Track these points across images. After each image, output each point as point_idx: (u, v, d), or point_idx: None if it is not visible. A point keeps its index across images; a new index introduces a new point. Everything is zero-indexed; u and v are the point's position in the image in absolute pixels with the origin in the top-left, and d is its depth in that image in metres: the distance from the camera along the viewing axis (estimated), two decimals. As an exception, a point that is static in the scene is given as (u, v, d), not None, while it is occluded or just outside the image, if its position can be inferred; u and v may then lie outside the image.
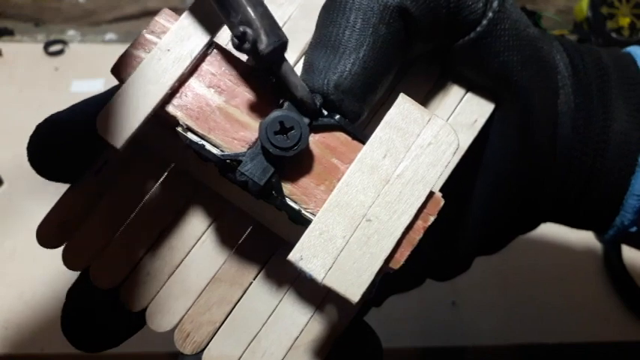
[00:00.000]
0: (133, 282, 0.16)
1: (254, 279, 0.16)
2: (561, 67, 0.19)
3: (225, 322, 0.16)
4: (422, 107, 0.14)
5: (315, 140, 0.14)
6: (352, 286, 0.13)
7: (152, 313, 0.16)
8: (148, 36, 0.14)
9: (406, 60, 0.16)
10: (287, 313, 0.16)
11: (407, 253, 0.13)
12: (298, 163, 0.14)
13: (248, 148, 0.14)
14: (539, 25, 0.53)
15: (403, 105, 0.14)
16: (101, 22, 0.59)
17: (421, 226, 0.13)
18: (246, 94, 0.14)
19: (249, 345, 0.16)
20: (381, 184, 0.13)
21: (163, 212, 0.16)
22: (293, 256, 0.13)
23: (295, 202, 0.14)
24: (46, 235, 0.16)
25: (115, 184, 0.16)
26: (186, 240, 0.16)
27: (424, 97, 0.17)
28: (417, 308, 0.38)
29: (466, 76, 0.17)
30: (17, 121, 0.48)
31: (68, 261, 0.16)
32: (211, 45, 0.14)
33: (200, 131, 0.14)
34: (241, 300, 0.16)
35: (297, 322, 0.16)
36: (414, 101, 0.14)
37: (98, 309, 0.16)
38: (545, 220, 0.21)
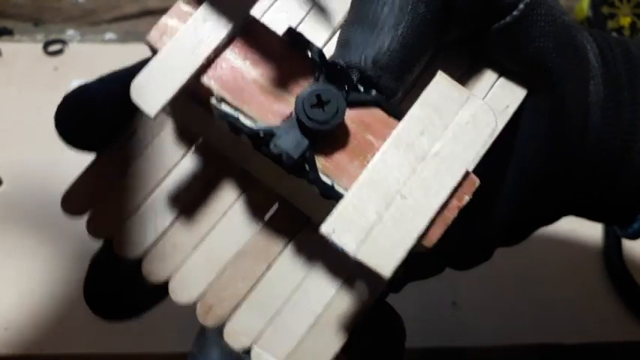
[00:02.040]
0: (157, 253, 0.16)
1: (279, 254, 0.16)
2: (591, 58, 0.19)
3: (249, 296, 0.16)
4: (460, 86, 0.14)
5: (350, 116, 0.14)
6: (384, 261, 0.12)
7: (175, 285, 0.16)
8: (184, 6, 0.14)
9: (441, 43, 0.16)
10: (311, 289, 0.16)
11: (440, 232, 0.13)
12: (332, 138, 0.14)
13: (282, 122, 0.13)
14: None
15: (441, 82, 0.14)
16: (101, 22, 0.59)
17: (455, 205, 0.13)
18: (282, 68, 0.14)
19: (271, 319, 0.16)
20: (416, 162, 0.13)
21: (190, 185, 0.17)
22: (325, 228, 0.13)
23: (328, 177, 0.14)
24: (71, 203, 0.17)
25: (143, 155, 0.17)
26: (212, 213, 0.17)
27: (456, 80, 0.17)
28: (417, 308, 0.38)
29: (499, 61, 0.17)
30: (16, 120, 0.48)
31: (92, 229, 0.16)
32: (248, 18, 0.14)
33: (234, 103, 0.14)
34: (266, 275, 0.16)
35: (321, 300, 0.16)
36: (452, 79, 0.14)
37: (120, 278, 0.16)
38: (568, 213, 0.21)
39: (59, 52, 0.55)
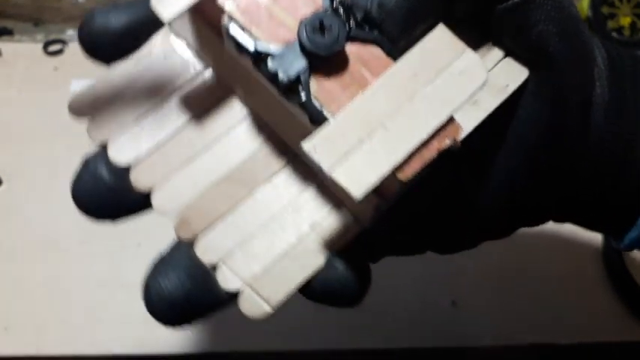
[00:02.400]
0: (148, 163, 0.17)
1: (263, 183, 0.17)
2: (599, 61, 0.19)
3: (227, 218, 0.17)
4: (458, 39, 0.14)
5: (350, 50, 0.14)
6: (357, 183, 0.13)
7: (158, 195, 0.17)
8: None
9: (451, 19, 0.16)
10: (288, 221, 0.17)
11: (416, 168, 0.14)
12: (329, 67, 0.14)
13: (286, 45, 0.14)
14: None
15: (441, 33, 0.14)
16: (101, 22, 0.59)
17: (435, 146, 0.14)
18: (294, 0, 0.15)
19: (244, 242, 0.16)
20: (404, 99, 0.14)
21: (191, 107, 0.17)
22: (307, 145, 0.13)
23: (318, 102, 0.14)
24: (78, 104, 0.17)
25: (152, 72, 0.17)
26: (207, 137, 0.17)
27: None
28: (417, 308, 0.38)
29: (504, 43, 0.18)
30: (16, 120, 0.48)
31: (91, 132, 0.17)
32: None
33: (244, 24, 0.14)
34: (247, 200, 0.17)
35: (295, 231, 0.17)
36: (452, 32, 0.14)
37: (109, 180, 0.17)
38: (569, 214, 0.21)
39: (59, 52, 0.55)
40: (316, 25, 0.14)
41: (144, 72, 0.17)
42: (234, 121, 0.18)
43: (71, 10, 0.59)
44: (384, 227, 0.17)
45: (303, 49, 0.14)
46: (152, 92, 0.17)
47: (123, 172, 0.17)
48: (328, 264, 0.17)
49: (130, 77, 0.17)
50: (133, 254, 0.38)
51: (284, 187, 0.17)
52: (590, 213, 0.22)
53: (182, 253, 0.17)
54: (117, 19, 0.17)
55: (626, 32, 0.53)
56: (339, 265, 0.17)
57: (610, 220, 0.22)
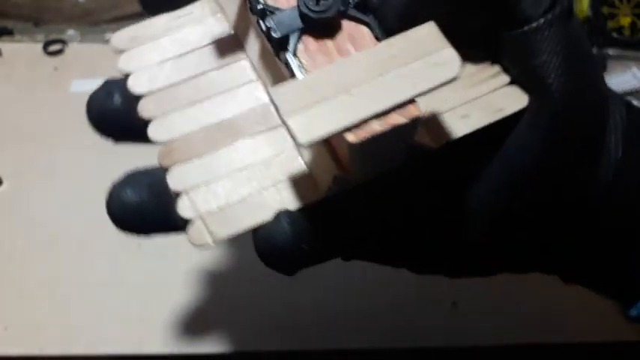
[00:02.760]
0: (156, 97, 0.19)
1: (246, 137, 0.19)
2: (616, 113, 0.19)
3: (203, 158, 0.18)
4: (444, 38, 0.15)
5: (343, 26, 0.16)
6: (305, 131, 0.14)
7: (155, 123, 0.19)
8: None
9: (461, 38, 0.17)
10: (255, 174, 0.18)
11: (366, 135, 0.14)
12: (319, 35, 0.16)
13: (289, 8, 0.16)
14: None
15: (430, 28, 0.15)
16: (101, 22, 0.59)
17: (390, 120, 0.14)
18: None
19: (209, 181, 0.18)
20: (375, 74, 0.15)
21: (208, 60, 0.20)
22: (274, 90, 0.15)
23: (299, 60, 0.16)
24: (119, 38, 0.20)
25: (187, 28, 0.20)
26: (213, 88, 0.19)
27: (469, 75, 0.18)
28: (417, 308, 0.38)
29: (504, 65, 0.18)
30: (16, 121, 0.48)
31: (120, 62, 0.20)
32: None
33: None
34: (227, 148, 0.19)
35: (258, 185, 0.18)
36: (439, 30, 0.15)
37: (119, 101, 0.19)
38: (564, 276, 0.21)
39: (59, 52, 0.55)
40: None
41: (179, 26, 0.20)
42: (240, 81, 0.20)
43: (71, 10, 0.59)
44: (342, 214, 0.18)
45: (300, 12, 0.15)
46: (181, 44, 0.20)
47: (133, 100, 0.19)
48: (277, 219, 0.17)
49: (166, 27, 0.20)
50: (133, 254, 0.38)
51: (264, 145, 0.19)
52: (595, 276, 0.21)
53: (154, 175, 0.18)
54: None
55: (626, 32, 0.53)
56: (286, 225, 0.17)
57: (618, 287, 0.21)
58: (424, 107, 0.17)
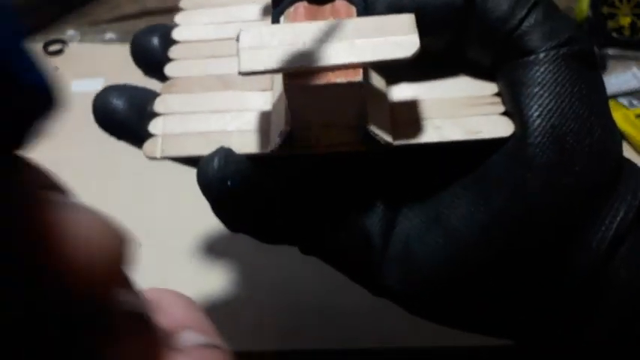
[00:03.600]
0: (189, 45, 0.22)
1: (236, 90, 0.20)
2: (631, 180, 0.16)
3: (192, 94, 0.20)
4: (416, 28, 0.16)
5: (335, 2, 0.17)
6: (249, 62, 0.16)
7: (174, 64, 0.21)
8: None
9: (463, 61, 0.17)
10: (225, 117, 0.20)
11: (302, 83, 0.15)
12: (310, 5, 0.18)
13: None
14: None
15: (407, 18, 0.16)
16: (100, 22, 0.59)
17: (329, 77, 0.15)
18: None
19: (185, 113, 0.20)
20: (336, 38, 0.16)
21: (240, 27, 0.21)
22: (246, 29, 0.16)
23: (284, 17, 0.18)
24: (190, 0, 0.23)
25: (245, 3, 0.23)
26: (232, 49, 0.20)
27: (469, 97, 0.18)
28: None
29: (505, 100, 0.18)
30: (17, 120, 0.48)
31: (178, 18, 0.23)
32: None
33: None
34: (216, 92, 0.21)
35: (221, 125, 0.20)
36: (414, 21, 0.16)
37: (159, 42, 0.22)
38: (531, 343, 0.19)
39: (59, 52, 0.55)
40: None
41: (238, 2, 0.23)
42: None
43: (71, 10, 0.59)
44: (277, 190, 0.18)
45: None
46: (230, 16, 0.22)
47: (170, 43, 0.22)
48: (214, 154, 0.18)
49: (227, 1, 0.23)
50: (133, 254, 0.38)
51: (248, 100, 0.20)
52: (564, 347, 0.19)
53: (137, 91, 0.21)
54: None
55: (626, 32, 0.53)
56: (217, 160, 0.18)
57: None
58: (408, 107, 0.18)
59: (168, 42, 0.22)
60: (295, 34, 0.16)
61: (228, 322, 0.35)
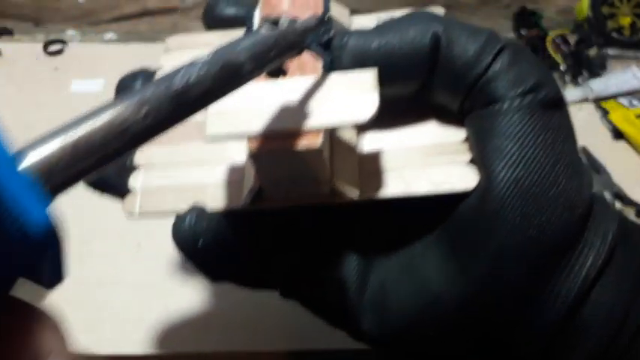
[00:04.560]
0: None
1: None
2: (601, 229, 0.16)
3: (174, 146, 0.20)
4: (376, 84, 0.16)
5: (302, 55, 0.17)
6: (214, 128, 0.16)
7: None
8: None
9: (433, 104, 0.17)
10: (202, 171, 0.20)
11: (263, 148, 0.15)
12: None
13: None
14: (540, 25, 0.53)
15: (370, 76, 0.16)
16: (101, 22, 0.59)
17: (289, 143, 0.15)
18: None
19: (165, 165, 0.20)
20: (298, 97, 0.16)
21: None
22: None
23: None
24: (174, 41, 0.23)
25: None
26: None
27: (436, 144, 0.18)
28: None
29: (472, 148, 0.17)
30: (17, 120, 0.48)
31: (163, 59, 0.22)
32: None
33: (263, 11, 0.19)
34: (196, 144, 0.20)
35: (198, 180, 0.19)
36: (376, 78, 0.16)
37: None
38: None
39: (59, 52, 0.55)
40: (273, 20, 0.17)
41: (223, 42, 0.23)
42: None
43: (71, 10, 0.59)
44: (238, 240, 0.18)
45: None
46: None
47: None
48: (187, 212, 0.18)
49: (212, 41, 0.22)
50: (133, 254, 0.38)
51: (227, 149, 0.20)
52: None
53: None
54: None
55: (626, 32, 0.53)
56: (189, 219, 0.18)
57: None
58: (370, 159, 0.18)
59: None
60: (259, 96, 0.16)
61: (228, 321, 0.35)
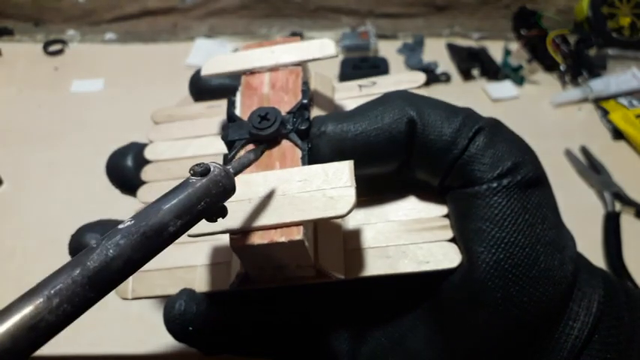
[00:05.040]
0: (159, 165, 0.22)
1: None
2: (586, 298, 0.16)
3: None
4: (352, 176, 0.16)
5: (282, 143, 0.18)
6: (199, 227, 0.15)
7: (147, 187, 0.21)
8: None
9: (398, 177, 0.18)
10: (193, 252, 0.20)
11: (242, 242, 0.16)
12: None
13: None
14: (540, 25, 0.53)
15: (346, 168, 0.16)
16: (101, 22, 0.59)
17: (267, 236, 0.15)
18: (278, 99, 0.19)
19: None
20: (278, 192, 0.16)
21: (212, 143, 0.21)
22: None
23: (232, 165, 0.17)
24: (161, 113, 0.23)
25: (214, 115, 0.23)
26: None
27: (420, 220, 0.19)
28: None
29: (453, 226, 0.18)
30: (17, 120, 0.48)
31: (151, 133, 0.22)
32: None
33: (240, 100, 0.20)
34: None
35: (186, 261, 0.20)
36: (351, 170, 0.16)
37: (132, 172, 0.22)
38: None
39: (59, 52, 0.55)
40: (262, 114, 0.18)
41: (208, 115, 0.23)
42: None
43: (71, 10, 0.59)
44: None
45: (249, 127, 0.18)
46: (198, 128, 0.23)
47: (143, 162, 0.22)
48: (177, 296, 0.19)
49: (198, 113, 0.23)
50: None
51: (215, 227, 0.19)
52: None
53: (114, 225, 0.20)
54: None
55: (626, 32, 0.53)
56: (179, 304, 0.18)
57: None
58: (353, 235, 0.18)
59: (141, 161, 0.22)
60: (240, 191, 0.16)
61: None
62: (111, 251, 0.11)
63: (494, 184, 0.16)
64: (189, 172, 0.14)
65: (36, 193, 0.42)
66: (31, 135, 0.46)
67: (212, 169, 0.14)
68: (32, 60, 0.55)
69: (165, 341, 0.35)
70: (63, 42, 0.56)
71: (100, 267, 0.11)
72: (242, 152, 0.18)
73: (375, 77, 0.22)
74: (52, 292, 0.10)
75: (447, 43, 0.54)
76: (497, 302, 0.16)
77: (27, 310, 0.10)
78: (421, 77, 0.21)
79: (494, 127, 0.17)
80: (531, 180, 0.16)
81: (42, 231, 0.39)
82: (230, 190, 0.14)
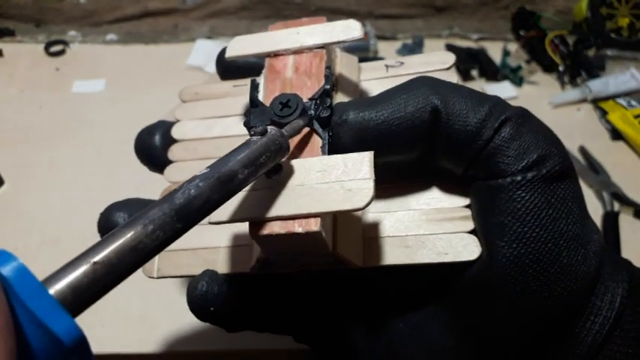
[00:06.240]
0: (186, 144, 0.22)
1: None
2: (609, 292, 0.16)
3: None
4: (372, 166, 0.16)
5: (302, 131, 0.17)
6: (223, 212, 0.16)
7: (174, 166, 0.21)
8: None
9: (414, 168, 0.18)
10: (217, 232, 0.20)
11: (262, 232, 0.16)
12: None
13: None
14: (538, 26, 0.53)
15: (365, 157, 0.16)
16: (102, 23, 0.59)
17: (286, 227, 0.16)
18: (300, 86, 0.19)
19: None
20: (296, 183, 0.16)
21: (238, 124, 0.21)
22: None
23: None
24: (188, 91, 0.23)
25: (240, 94, 0.23)
26: (229, 147, 0.21)
27: (441, 210, 0.18)
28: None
29: (474, 218, 0.17)
30: (18, 121, 0.48)
31: (178, 112, 0.23)
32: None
33: (264, 83, 0.19)
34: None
35: (210, 242, 0.20)
36: (371, 161, 0.16)
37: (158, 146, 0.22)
38: None
39: (61, 52, 0.55)
40: (283, 101, 0.18)
41: (234, 94, 0.23)
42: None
43: (73, 11, 0.59)
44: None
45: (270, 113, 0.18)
46: (224, 108, 0.23)
47: (170, 141, 0.22)
48: (200, 277, 0.19)
49: (225, 91, 0.23)
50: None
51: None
52: None
53: (144, 204, 0.20)
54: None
55: (625, 33, 0.53)
56: (201, 284, 0.19)
57: None
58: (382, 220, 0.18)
59: (169, 140, 0.22)
60: (260, 180, 0.16)
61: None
62: (192, 191, 0.13)
63: (519, 178, 0.16)
64: (250, 132, 0.16)
65: (37, 193, 0.42)
66: (32, 135, 0.46)
67: (269, 130, 0.16)
68: (34, 60, 0.55)
69: (166, 341, 0.35)
70: (64, 43, 0.56)
71: (184, 202, 0.13)
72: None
73: (403, 57, 0.22)
74: (147, 221, 0.12)
75: (446, 44, 0.54)
76: (517, 296, 0.15)
77: (129, 235, 0.12)
78: (451, 58, 0.20)
79: (522, 118, 0.16)
80: (557, 173, 0.16)
81: (43, 231, 0.39)
82: (285, 148, 0.16)
